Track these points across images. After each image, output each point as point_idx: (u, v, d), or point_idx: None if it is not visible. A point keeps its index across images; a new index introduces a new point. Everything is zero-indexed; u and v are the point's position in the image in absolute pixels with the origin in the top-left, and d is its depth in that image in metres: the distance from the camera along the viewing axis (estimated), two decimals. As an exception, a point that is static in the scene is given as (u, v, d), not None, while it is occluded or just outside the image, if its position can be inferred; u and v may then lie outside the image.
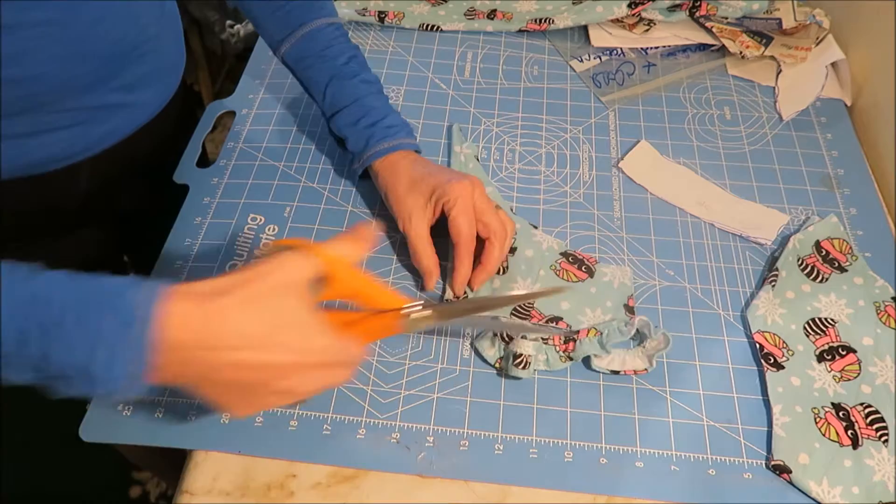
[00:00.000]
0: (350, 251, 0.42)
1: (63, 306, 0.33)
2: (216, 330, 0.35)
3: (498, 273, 0.58)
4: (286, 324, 0.37)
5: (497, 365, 0.53)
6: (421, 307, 0.44)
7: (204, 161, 0.69)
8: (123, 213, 0.74)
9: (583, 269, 0.59)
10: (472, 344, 0.54)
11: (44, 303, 0.33)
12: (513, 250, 0.60)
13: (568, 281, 0.58)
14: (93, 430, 0.51)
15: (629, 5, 0.79)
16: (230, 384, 0.38)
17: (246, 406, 0.40)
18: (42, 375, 0.35)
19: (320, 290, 0.40)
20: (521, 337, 0.52)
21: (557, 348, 0.52)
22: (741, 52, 0.76)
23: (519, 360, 0.51)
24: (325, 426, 0.50)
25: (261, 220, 0.63)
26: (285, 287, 0.38)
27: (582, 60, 0.78)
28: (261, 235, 0.61)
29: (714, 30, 0.79)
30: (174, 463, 0.48)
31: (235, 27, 0.84)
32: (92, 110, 0.56)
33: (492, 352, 0.53)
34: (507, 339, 0.52)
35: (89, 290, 0.34)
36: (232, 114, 0.73)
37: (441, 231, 0.56)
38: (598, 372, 0.53)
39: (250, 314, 0.36)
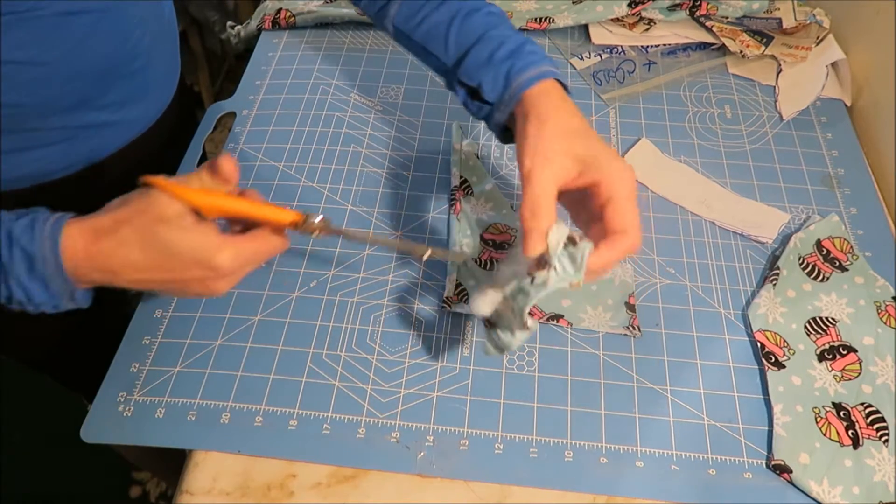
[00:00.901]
0: (212, 185, 0.43)
1: None
2: (105, 263, 0.41)
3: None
4: (174, 254, 0.41)
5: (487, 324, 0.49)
6: (316, 221, 0.45)
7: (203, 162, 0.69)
8: None
9: (583, 268, 0.59)
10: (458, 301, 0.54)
11: None
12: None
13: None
14: (93, 430, 0.51)
15: (629, 4, 0.79)
16: (149, 288, 0.44)
17: (180, 295, 0.47)
18: None
19: (203, 216, 0.43)
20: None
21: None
22: (741, 52, 0.76)
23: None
24: (324, 426, 0.50)
25: (261, 219, 0.63)
26: (163, 221, 0.41)
27: (582, 58, 0.78)
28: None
29: (714, 29, 0.79)
30: (174, 463, 0.48)
31: (236, 27, 0.84)
32: (77, 129, 0.55)
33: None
34: (490, 323, 0.48)
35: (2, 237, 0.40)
36: (232, 114, 0.73)
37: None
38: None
39: (134, 250, 0.41)
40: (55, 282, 0.41)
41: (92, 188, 0.62)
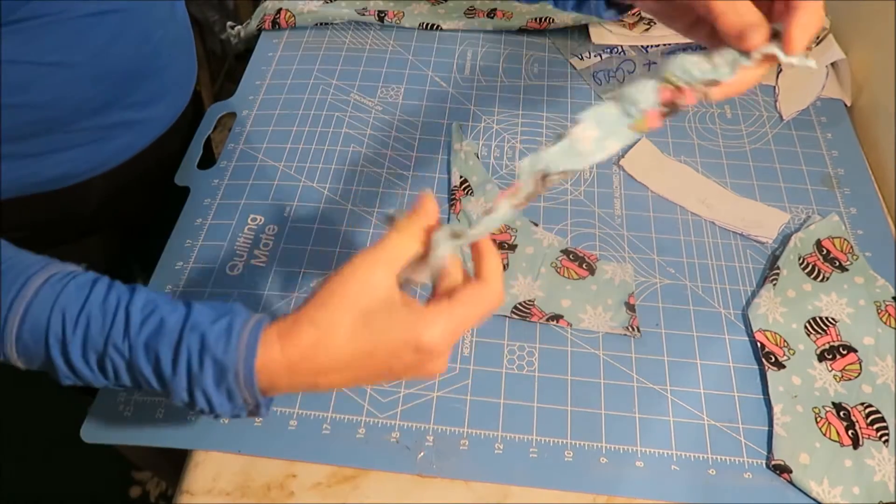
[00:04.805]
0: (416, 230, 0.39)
1: (169, 358, 0.37)
2: (308, 378, 0.37)
3: (498, 272, 0.58)
4: (382, 340, 0.36)
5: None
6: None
7: (206, 161, 0.69)
8: (131, 221, 0.73)
9: (584, 266, 0.59)
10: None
11: (154, 353, 0.37)
12: (513, 247, 0.60)
13: (569, 279, 0.58)
14: (93, 430, 0.51)
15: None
16: (354, 385, 0.42)
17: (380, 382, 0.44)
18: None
19: (416, 270, 0.39)
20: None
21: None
22: (741, 51, 0.76)
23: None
24: (324, 426, 0.50)
25: (260, 220, 0.63)
26: (371, 311, 0.36)
27: (582, 58, 0.78)
28: (261, 235, 0.61)
29: (714, 29, 0.79)
30: (174, 463, 0.48)
31: (236, 27, 0.84)
32: (104, 129, 0.55)
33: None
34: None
35: (191, 341, 0.37)
36: (232, 114, 0.73)
37: None
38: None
39: (340, 350, 0.36)
40: (241, 394, 0.37)
41: (114, 191, 0.62)
